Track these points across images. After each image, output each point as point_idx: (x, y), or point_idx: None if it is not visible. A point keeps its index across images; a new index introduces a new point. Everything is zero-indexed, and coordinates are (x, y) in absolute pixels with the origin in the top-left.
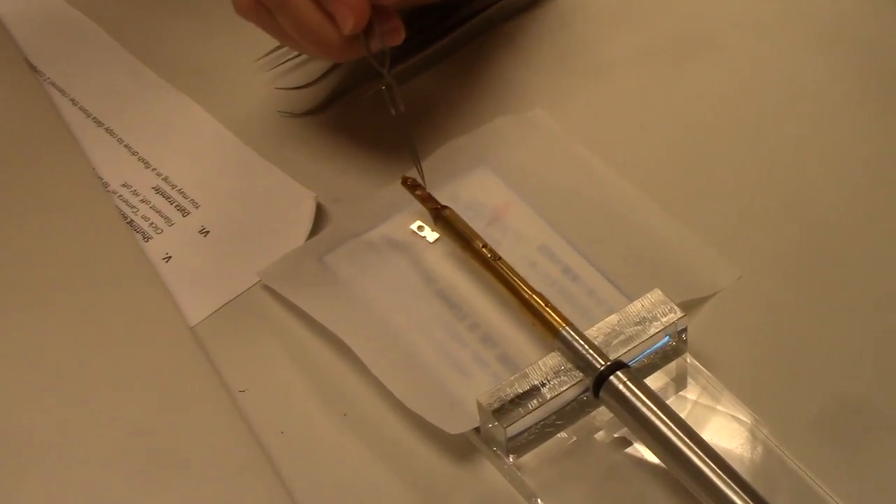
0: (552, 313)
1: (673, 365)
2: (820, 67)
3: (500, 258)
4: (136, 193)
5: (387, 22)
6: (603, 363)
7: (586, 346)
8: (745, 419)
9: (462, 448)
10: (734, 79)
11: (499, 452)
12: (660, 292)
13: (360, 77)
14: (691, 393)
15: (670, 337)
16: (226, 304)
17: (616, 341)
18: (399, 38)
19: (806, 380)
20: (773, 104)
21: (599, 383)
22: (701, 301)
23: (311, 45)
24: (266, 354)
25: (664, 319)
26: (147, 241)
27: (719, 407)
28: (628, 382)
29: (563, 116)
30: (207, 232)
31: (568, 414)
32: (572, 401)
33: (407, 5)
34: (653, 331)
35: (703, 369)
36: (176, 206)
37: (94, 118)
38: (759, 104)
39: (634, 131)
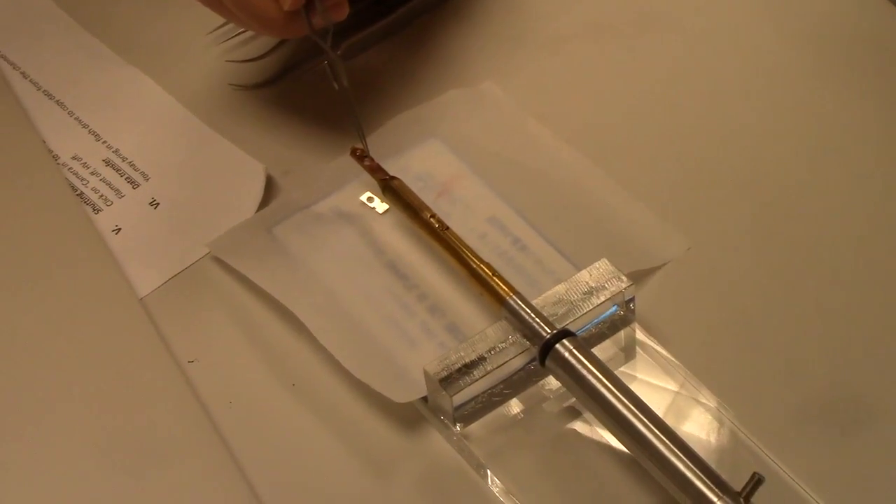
0: (499, 282)
1: (621, 335)
2: (774, 40)
3: (448, 228)
4: (86, 166)
5: None
6: (549, 331)
7: (532, 315)
8: (692, 389)
9: (410, 417)
10: (688, 52)
11: (446, 422)
12: (607, 262)
13: (310, 50)
14: (640, 363)
15: (618, 307)
16: (175, 275)
17: (563, 310)
18: (342, 13)
19: (753, 351)
20: (726, 78)
21: (545, 351)
22: (650, 272)
23: (253, 22)
24: (215, 325)
25: (611, 289)
26: (97, 213)
27: (667, 377)
28: (574, 350)
29: (514, 89)
30: (157, 204)
31: (515, 383)
32: (520, 370)
33: None
34: (600, 299)
35: (652, 339)
36: (126, 179)
37: (45, 91)
38: (712, 78)
39: (586, 104)
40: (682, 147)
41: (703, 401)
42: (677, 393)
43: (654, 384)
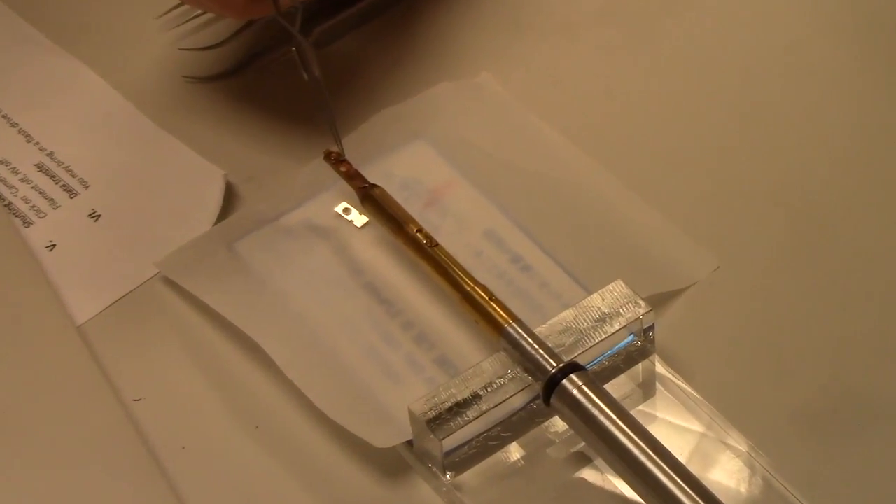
0: (497, 308)
1: (639, 368)
2: (812, 25)
3: (437, 245)
4: (14, 171)
5: None
6: (555, 365)
7: (535, 346)
8: (720, 431)
9: (392, 465)
10: (716, 43)
11: (435, 470)
12: (623, 284)
13: (277, 37)
14: (660, 401)
15: (635, 336)
16: (119, 299)
17: (571, 341)
18: None
19: (791, 388)
20: (760, 73)
21: (551, 388)
22: (672, 295)
23: (210, 2)
24: (166, 358)
25: (627, 315)
26: (28, 226)
27: (691, 417)
28: (584, 387)
29: (514, 83)
30: (98, 216)
31: (515, 425)
32: (520, 409)
33: None
34: (614, 328)
35: (674, 374)
36: (62, 186)
37: None
38: (744, 73)
39: (597, 100)
40: (707, 151)
41: (733, 444)
42: (703, 435)
43: (677, 425)
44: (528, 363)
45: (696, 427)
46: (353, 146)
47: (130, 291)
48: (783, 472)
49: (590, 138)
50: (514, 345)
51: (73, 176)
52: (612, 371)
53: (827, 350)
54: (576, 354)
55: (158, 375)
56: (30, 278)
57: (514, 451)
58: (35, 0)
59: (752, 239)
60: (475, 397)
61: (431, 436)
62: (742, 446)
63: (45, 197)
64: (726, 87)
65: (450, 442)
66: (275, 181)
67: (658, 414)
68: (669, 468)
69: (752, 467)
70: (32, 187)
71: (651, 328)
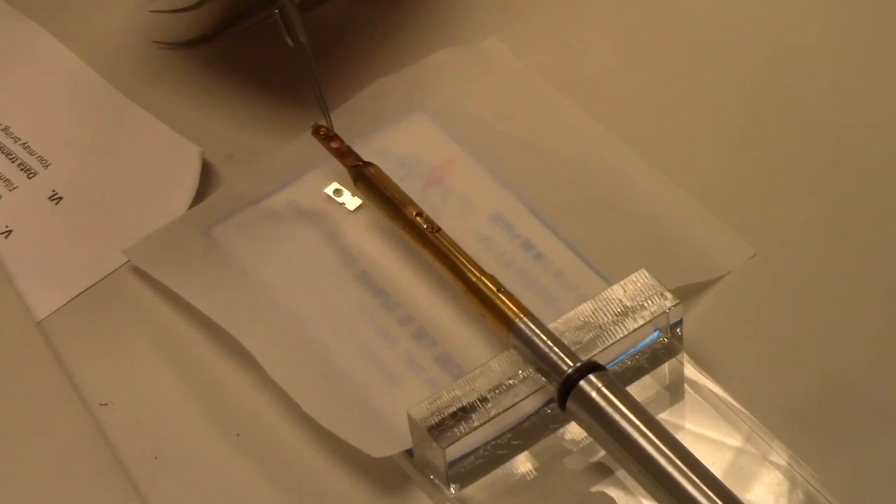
0: (506, 301)
1: (665, 369)
2: None
3: (439, 230)
4: None
5: None
6: (571, 364)
7: (550, 343)
8: (757, 440)
9: (390, 477)
10: (754, 4)
11: (437, 482)
12: (647, 273)
13: None
14: (689, 406)
15: (660, 332)
16: (84, 291)
17: (589, 337)
18: None
19: (838, 391)
20: (801, 37)
21: (567, 391)
22: (703, 287)
23: None
24: (136, 357)
25: (652, 309)
26: None
27: (724, 423)
28: (604, 389)
29: (525, 48)
30: (60, 198)
31: (527, 432)
32: (533, 414)
33: None
34: (637, 323)
35: (705, 375)
36: (19, 165)
37: None
38: (783, 38)
39: (618, 68)
40: (742, 126)
41: (772, 455)
42: (737, 444)
43: (707, 433)
44: (541, 362)
45: (730, 434)
46: (344, 120)
47: (96, 283)
48: (827, 486)
49: (610, 111)
50: (526, 342)
51: (32, 154)
52: (635, 372)
53: (876, 351)
54: (594, 353)
55: (128, 377)
56: None
57: (526, 462)
58: None
59: (792, 223)
60: (482, 401)
61: (433, 444)
62: (782, 457)
63: (0, 177)
64: (763, 55)
65: (454, 451)
66: (257, 159)
67: (686, 420)
68: (700, 480)
69: (792, 480)
70: None
71: (679, 323)
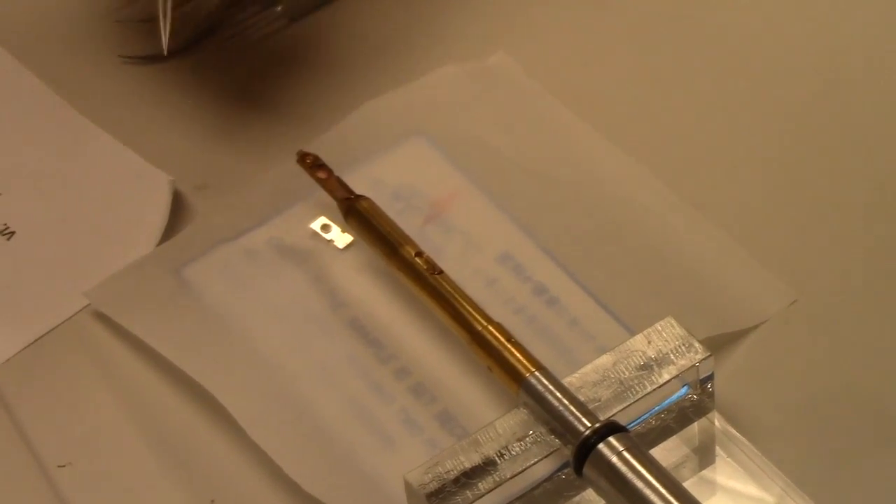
0: (516, 352)
1: (694, 429)
2: None
3: (441, 272)
4: None
5: None
6: (589, 425)
7: (565, 400)
8: None
9: None
10: (790, 7)
11: None
12: (674, 322)
13: (237, 4)
14: (721, 470)
15: (689, 387)
16: (39, 338)
17: (609, 394)
18: None
19: (886, 453)
20: (846, 56)
21: (584, 455)
22: (737, 337)
23: None
24: (98, 413)
25: (680, 362)
26: None
27: (760, 490)
28: (625, 453)
29: (536, 65)
30: (12, 233)
31: (539, 500)
32: (545, 480)
33: None
34: (663, 378)
35: (739, 436)
36: None
37: None
38: (823, 51)
39: (642, 88)
40: (782, 154)
41: None
42: None
43: (742, 501)
44: (555, 422)
45: (767, 503)
46: (333, 146)
47: (53, 328)
48: None
49: (633, 136)
50: (538, 399)
51: None
52: (660, 433)
53: None
54: (615, 412)
55: (89, 436)
56: None
57: None
58: None
59: (836, 265)
60: (488, 465)
61: None
62: None
63: None
64: (805, 77)
65: None
66: (234, 189)
67: (718, 486)
68: None
69: None
70: None
71: (710, 378)
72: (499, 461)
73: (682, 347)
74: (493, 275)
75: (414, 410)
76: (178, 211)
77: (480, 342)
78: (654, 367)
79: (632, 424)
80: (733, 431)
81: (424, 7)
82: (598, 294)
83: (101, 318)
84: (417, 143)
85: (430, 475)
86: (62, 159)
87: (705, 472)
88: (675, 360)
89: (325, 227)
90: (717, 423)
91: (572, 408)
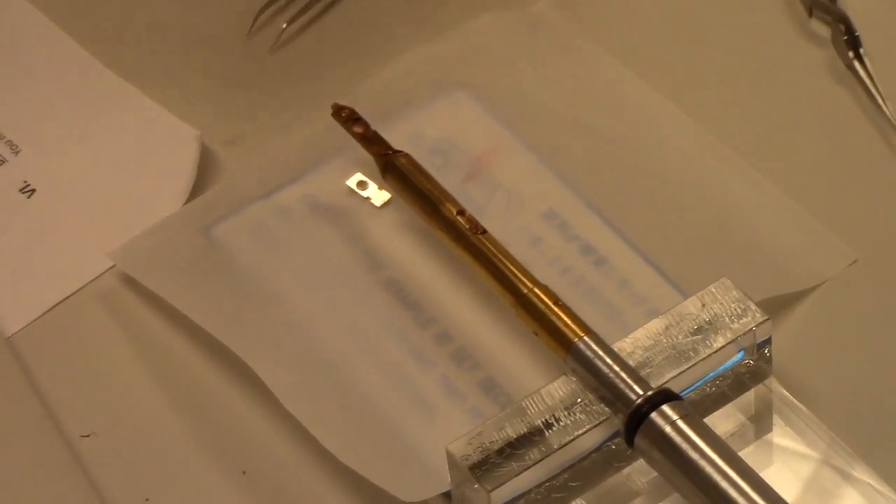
0: (563, 316)
1: (751, 396)
2: None
3: (483, 231)
4: None
5: None
6: (640, 393)
7: (615, 367)
8: (862, 482)
9: None
10: None
11: None
12: (730, 284)
13: None
14: (778, 439)
15: (745, 353)
16: (60, 302)
17: (661, 359)
18: None
19: None
20: None
21: (635, 424)
22: (795, 299)
23: None
24: (123, 381)
25: (736, 326)
26: None
27: (822, 461)
28: (679, 422)
29: (583, 12)
30: (32, 190)
31: (587, 471)
32: (594, 451)
33: None
34: (718, 343)
35: (798, 403)
36: None
37: None
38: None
39: (697, 40)
40: (839, 110)
41: (875, 495)
42: (836, 484)
43: (800, 472)
44: (605, 390)
45: (828, 473)
46: (369, 99)
47: (76, 292)
48: None
49: (687, 91)
50: (587, 365)
51: (1, 137)
52: (715, 400)
53: None
54: (668, 379)
55: (114, 404)
56: None
57: None
58: None
59: None
60: (534, 435)
61: (476, 486)
62: (891, 498)
63: None
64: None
65: (501, 494)
66: (265, 145)
67: (776, 456)
68: None
69: None
70: None
71: (767, 342)
72: (546, 431)
73: (738, 310)
74: (538, 233)
75: (456, 377)
76: (207, 167)
77: (526, 305)
78: (709, 331)
79: (685, 392)
80: (791, 398)
81: None
82: (650, 254)
83: (127, 280)
84: (457, 97)
85: (473, 446)
86: (83, 113)
87: (762, 441)
88: (730, 324)
89: (362, 184)
90: (774, 389)
91: (623, 374)
